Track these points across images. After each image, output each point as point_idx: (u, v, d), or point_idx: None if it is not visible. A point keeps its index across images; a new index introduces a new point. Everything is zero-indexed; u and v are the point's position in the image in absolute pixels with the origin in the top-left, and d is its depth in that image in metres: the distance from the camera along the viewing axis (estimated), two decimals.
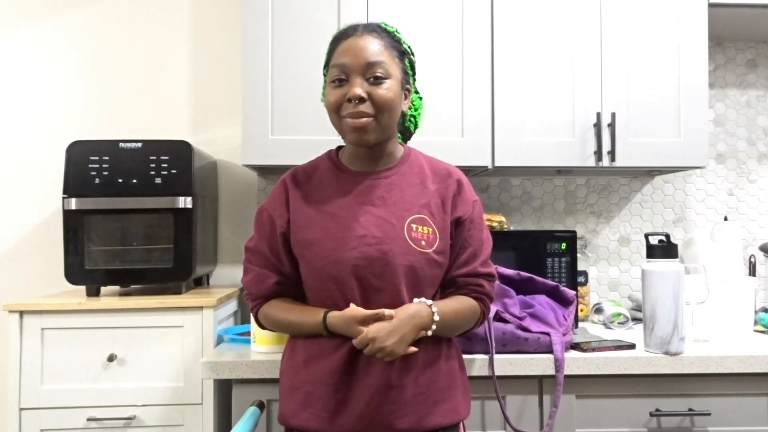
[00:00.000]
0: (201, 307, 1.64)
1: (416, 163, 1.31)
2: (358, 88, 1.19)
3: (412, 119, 1.37)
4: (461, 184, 1.30)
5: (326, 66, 1.27)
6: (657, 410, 1.52)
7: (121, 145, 1.76)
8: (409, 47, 1.30)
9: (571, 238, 1.80)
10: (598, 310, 1.94)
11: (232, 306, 1.93)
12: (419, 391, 1.21)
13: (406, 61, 1.28)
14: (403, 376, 1.20)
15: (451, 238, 1.27)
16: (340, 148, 1.35)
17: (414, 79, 1.32)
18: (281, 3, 1.80)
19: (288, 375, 1.27)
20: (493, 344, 1.48)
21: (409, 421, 1.20)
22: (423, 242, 1.22)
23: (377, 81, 1.20)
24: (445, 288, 1.30)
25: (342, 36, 1.24)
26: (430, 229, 1.23)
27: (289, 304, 1.28)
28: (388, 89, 1.21)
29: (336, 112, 1.22)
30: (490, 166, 1.84)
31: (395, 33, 1.28)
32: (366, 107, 1.19)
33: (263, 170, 1.98)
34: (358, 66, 1.20)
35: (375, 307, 1.18)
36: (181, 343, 1.64)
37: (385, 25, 1.28)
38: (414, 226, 1.23)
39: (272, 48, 1.80)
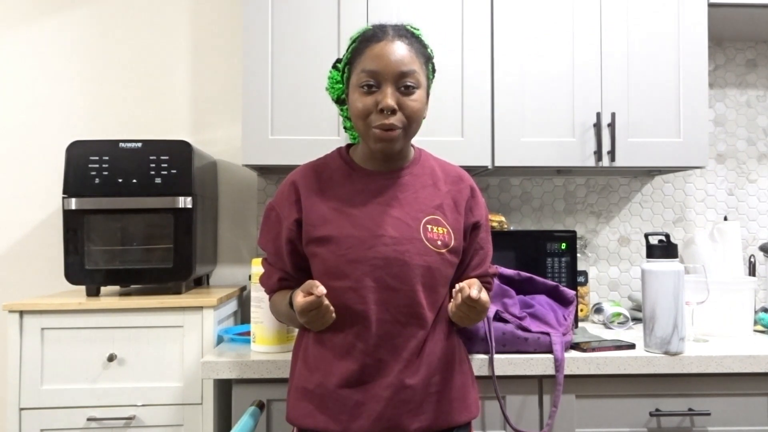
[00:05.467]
0: (201, 307, 1.64)
1: (427, 164, 1.32)
2: (391, 100, 1.17)
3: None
4: (474, 189, 1.33)
5: (347, 64, 1.24)
6: (657, 410, 1.52)
7: (121, 145, 1.76)
8: (431, 51, 1.28)
9: (571, 238, 1.80)
10: (598, 310, 1.94)
11: (232, 306, 1.93)
12: (435, 390, 1.22)
13: (430, 66, 1.27)
14: (418, 375, 1.20)
15: (464, 240, 1.29)
16: (349, 146, 1.34)
17: (432, 82, 1.30)
18: (281, 3, 1.80)
19: (300, 376, 1.26)
20: (493, 344, 1.48)
21: (426, 419, 1.20)
22: (439, 242, 1.22)
23: (408, 90, 1.19)
24: None
25: (372, 38, 1.21)
26: (445, 230, 1.24)
27: (283, 295, 1.29)
28: (416, 99, 1.20)
29: (364, 119, 1.20)
30: (490, 166, 1.84)
31: (421, 36, 1.26)
32: (396, 119, 1.18)
33: (263, 170, 1.98)
34: (391, 75, 1.18)
35: (390, 308, 1.19)
36: (181, 343, 1.64)
37: (412, 27, 1.25)
38: (429, 226, 1.23)
39: (272, 48, 1.80)
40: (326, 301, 1.12)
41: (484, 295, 1.13)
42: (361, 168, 1.28)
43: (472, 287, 1.11)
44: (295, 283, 1.28)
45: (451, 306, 1.17)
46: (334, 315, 1.15)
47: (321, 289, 1.09)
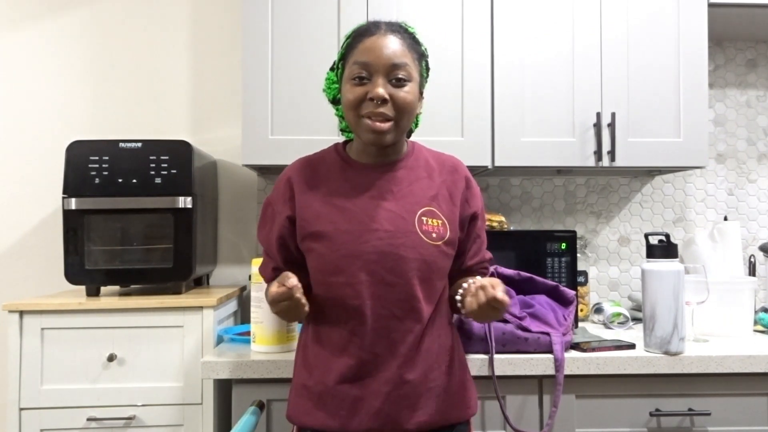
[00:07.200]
0: (201, 307, 1.65)
1: (421, 156, 1.31)
2: (381, 89, 1.17)
3: (416, 119, 1.37)
4: (469, 180, 1.32)
5: (341, 60, 1.25)
6: (657, 410, 1.52)
7: (121, 145, 1.76)
8: (426, 49, 1.28)
9: (571, 238, 1.80)
10: (598, 310, 1.94)
11: (232, 306, 1.93)
12: (434, 385, 1.22)
13: (423, 63, 1.27)
14: (417, 371, 1.20)
15: (461, 231, 1.29)
16: (346, 142, 1.34)
17: (426, 81, 1.31)
18: (281, 3, 1.80)
19: (300, 374, 1.26)
20: (493, 344, 1.48)
21: (425, 415, 1.20)
22: (434, 234, 1.22)
23: (399, 83, 1.19)
24: (458, 276, 1.32)
25: (364, 33, 1.22)
26: (440, 222, 1.24)
27: None
28: (408, 92, 1.20)
29: (355, 109, 1.20)
30: (490, 166, 1.84)
31: (415, 34, 1.26)
32: (387, 109, 1.18)
33: (263, 170, 1.98)
34: (382, 66, 1.18)
35: (385, 302, 1.19)
36: (181, 343, 1.64)
37: (406, 25, 1.26)
38: (424, 219, 1.23)
39: (272, 48, 1.80)
40: (298, 294, 1.10)
41: (506, 297, 1.12)
42: (356, 162, 1.28)
43: (496, 288, 1.10)
44: None
45: (470, 302, 1.13)
46: (306, 308, 1.14)
47: (292, 281, 1.09)
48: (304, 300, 1.12)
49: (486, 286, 1.11)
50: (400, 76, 1.19)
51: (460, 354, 1.31)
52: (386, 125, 1.19)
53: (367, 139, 1.21)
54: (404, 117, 1.21)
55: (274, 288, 1.11)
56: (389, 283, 1.19)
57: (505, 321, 1.51)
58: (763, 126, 2.26)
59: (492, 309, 1.12)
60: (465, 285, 1.24)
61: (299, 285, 1.11)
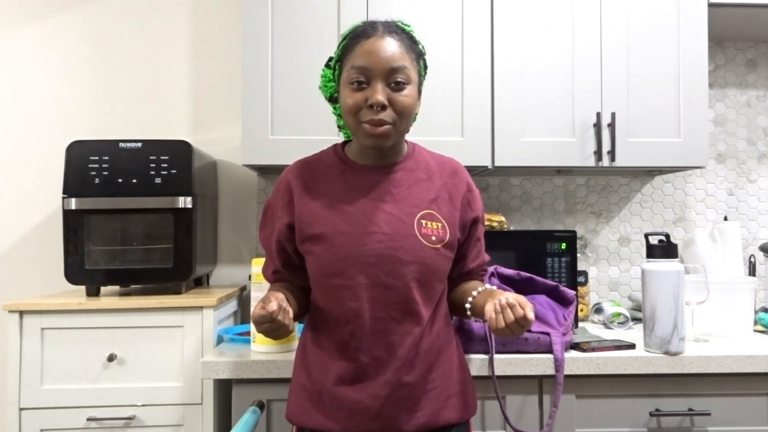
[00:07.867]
0: (201, 307, 1.65)
1: (421, 158, 1.31)
2: (381, 95, 1.16)
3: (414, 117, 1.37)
4: (470, 184, 1.32)
5: (338, 60, 1.24)
6: (657, 410, 1.52)
7: (121, 145, 1.76)
8: (423, 47, 1.27)
9: (571, 238, 1.80)
10: (598, 310, 1.94)
11: (232, 306, 1.93)
12: (432, 387, 1.22)
13: (422, 62, 1.26)
14: (416, 373, 1.20)
15: (462, 233, 1.29)
16: (345, 142, 1.34)
17: (425, 78, 1.30)
18: (281, 3, 1.81)
19: (299, 375, 1.26)
20: (493, 344, 1.48)
21: (423, 416, 1.20)
22: (433, 237, 1.22)
23: (398, 86, 1.18)
24: (459, 278, 1.33)
25: (362, 35, 1.20)
26: (439, 224, 1.24)
27: (277, 287, 1.30)
28: (407, 95, 1.19)
29: (354, 115, 1.19)
30: (490, 166, 1.84)
31: (412, 33, 1.25)
32: (387, 115, 1.17)
33: (263, 170, 1.98)
34: (381, 71, 1.17)
35: (384, 305, 1.18)
36: (181, 343, 1.64)
37: (403, 24, 1.25)
38: (423, 222, 1.23)
39: (272, 48, 1.80)
40: (279, 317, 1.08)
41: (533, 315, 1.13)
42: (355, 163, 1.28)
43: (525, 308, 1.10)
44: (286, 277, 1.31)
45: (498, 319, 1.11)
46: (291, 329, 1.12)
47: (272, 306, 1.07)
48: (286, 321, 1.10)
49: (515, 305, 1.11)
50: (399, 79, 1.18)
51: (460, 354, 1.31)
52: (385, 129, 1.18)
53: (367, 143, 1.21)
54: (403, 120, 1.21)
55: (257, 309, 1.09)
56: (387, 286, 1.19)
57: None
58: (763, 126, 2.26)
59: (517, 326, 1.11)
60: (475, 293, 1.26)
61: (283, 306, 1.09)
